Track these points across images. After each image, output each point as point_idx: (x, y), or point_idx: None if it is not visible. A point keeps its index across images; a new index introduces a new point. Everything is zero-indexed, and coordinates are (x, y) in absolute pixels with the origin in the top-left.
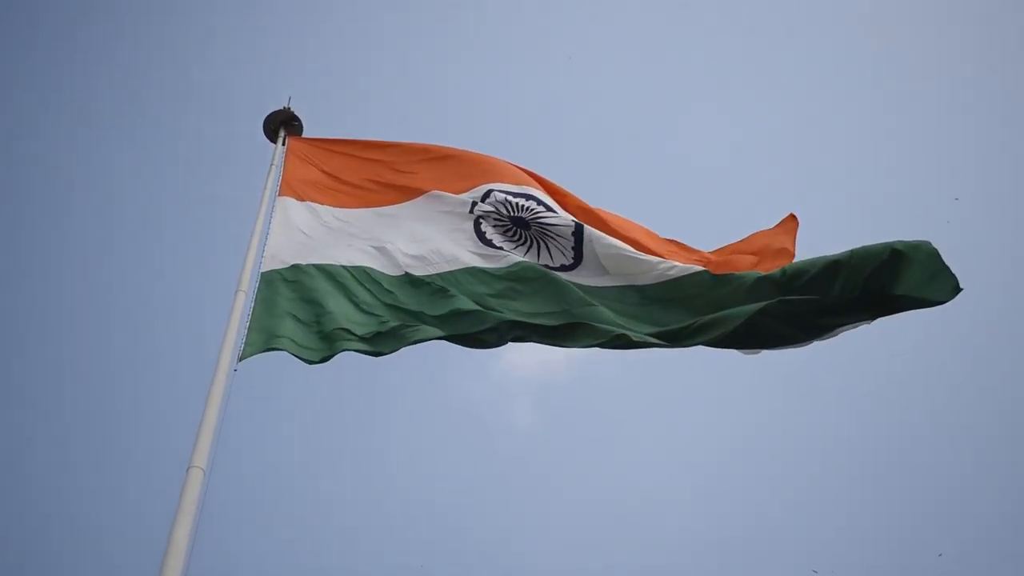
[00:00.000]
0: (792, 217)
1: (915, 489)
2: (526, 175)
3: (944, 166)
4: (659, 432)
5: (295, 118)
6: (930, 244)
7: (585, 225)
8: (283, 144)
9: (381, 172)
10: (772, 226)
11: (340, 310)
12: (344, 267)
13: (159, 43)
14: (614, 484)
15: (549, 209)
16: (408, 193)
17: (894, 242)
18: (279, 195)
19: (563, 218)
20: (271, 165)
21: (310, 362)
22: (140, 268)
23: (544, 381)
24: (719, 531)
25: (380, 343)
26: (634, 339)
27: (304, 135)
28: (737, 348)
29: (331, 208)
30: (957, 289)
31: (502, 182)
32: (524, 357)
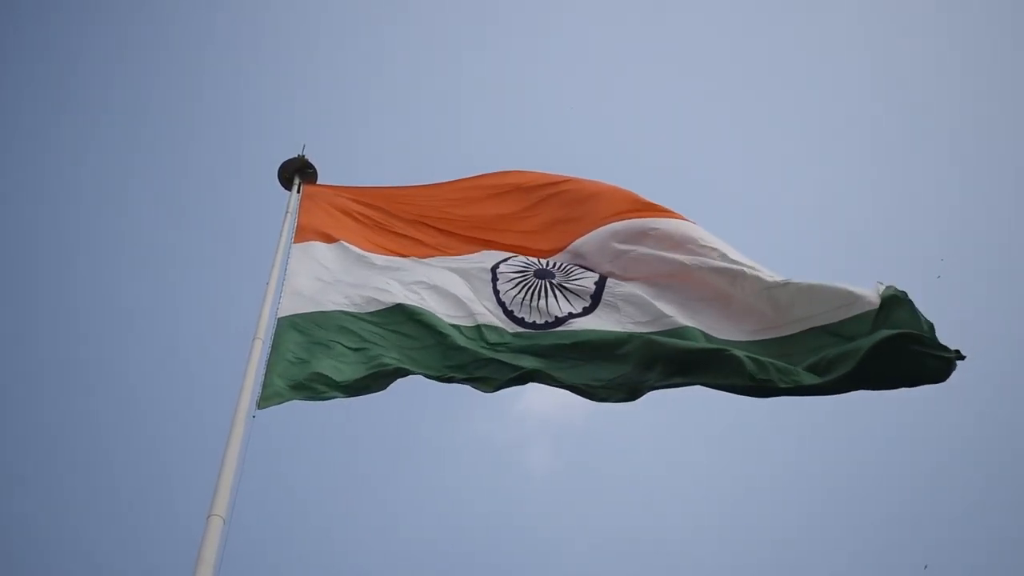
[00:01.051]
0: None
1: (931, 514)
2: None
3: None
4: (676, 471)
5: (309, 166)
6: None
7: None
8: (298, 192)
9: (411, 224)
10: None
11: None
12: (374, 311)
13: (173, 91)
14: (631, 524)
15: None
16: (453, 246)
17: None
18: (294, 242)
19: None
20: (286, 213)
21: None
22: (157, 317)
23: (562, 422)
24: (736, 569)
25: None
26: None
27: (319, 182)
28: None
29: (358, 249)
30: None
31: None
32: (543, 398)
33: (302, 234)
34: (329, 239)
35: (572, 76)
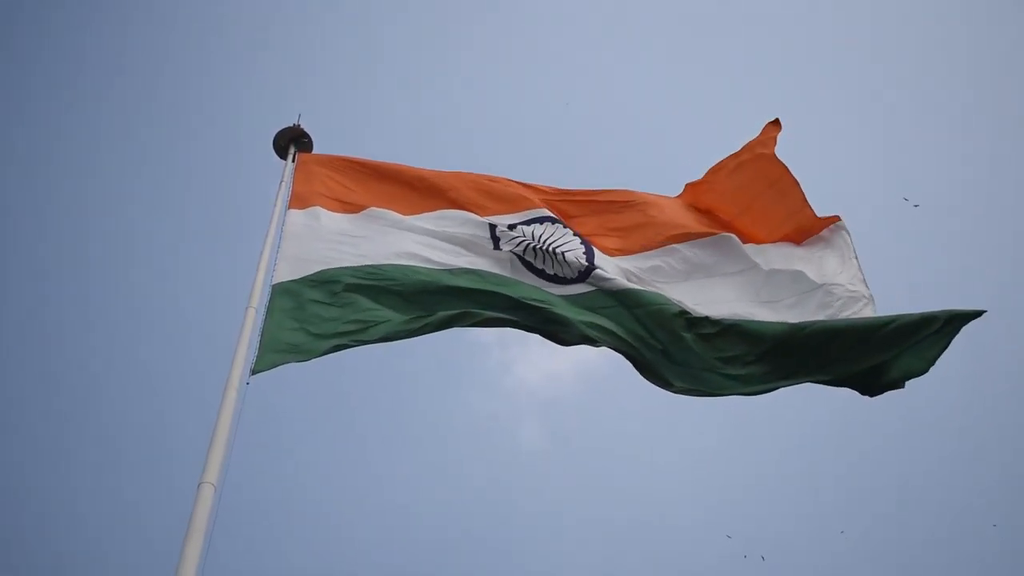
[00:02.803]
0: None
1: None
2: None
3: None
4: (668, 444)
5: (305, 135)
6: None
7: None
8: (293, 161)
9: (400, 188)
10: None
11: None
12: (372, 265)
13: (169, 64)
14: (623, 499)
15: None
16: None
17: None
18: (289, 208)
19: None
20: (281, 182)
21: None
22: (152, 287)
23: (551, 395)
24: (731, 545)
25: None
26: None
27: (314, 152)
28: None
29: (345, 215)
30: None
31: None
32: (531, 371)
33: (296, 201)
34: (322, 203)
35: (573, 62)
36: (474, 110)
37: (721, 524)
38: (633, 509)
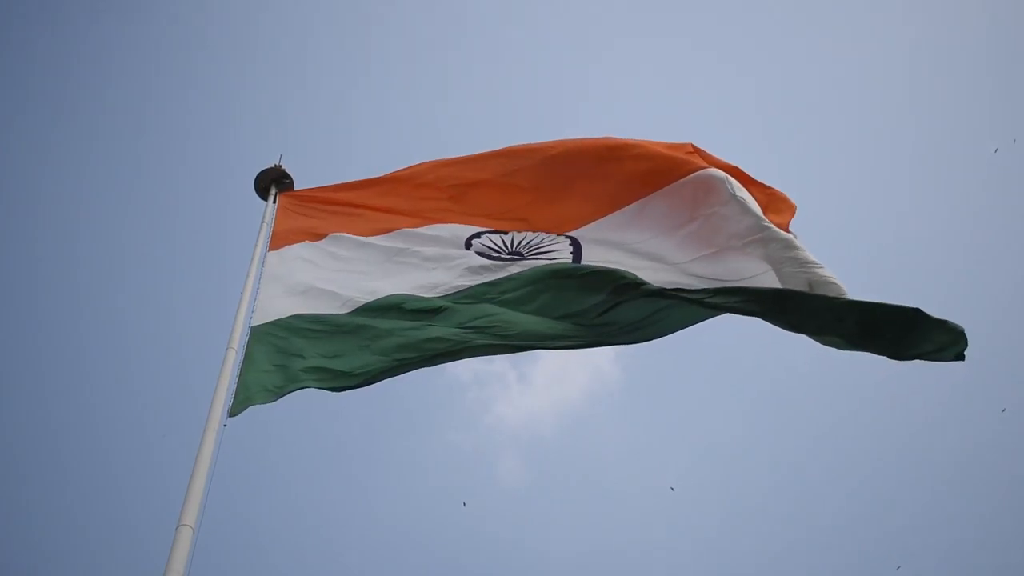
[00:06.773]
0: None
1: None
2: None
3: None
4: (649, 484)
5: (286, 175)
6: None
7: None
8: (274, 202)
9: (380, 207)
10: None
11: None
12: (340, 314)
13: (153, 104)
14: (604, 533)
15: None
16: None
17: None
18: (270, 249)
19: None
20: (262, 223)
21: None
22: (134, 326)
23: (531, 434)
24: None
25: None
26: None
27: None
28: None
29: (323, 243)
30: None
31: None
32: (512, 410)
33: (277, 240)
34: (304, 239)
35: (565, 89)
36: (458, 146)
37: (703, 559)
38: (614, 543)
